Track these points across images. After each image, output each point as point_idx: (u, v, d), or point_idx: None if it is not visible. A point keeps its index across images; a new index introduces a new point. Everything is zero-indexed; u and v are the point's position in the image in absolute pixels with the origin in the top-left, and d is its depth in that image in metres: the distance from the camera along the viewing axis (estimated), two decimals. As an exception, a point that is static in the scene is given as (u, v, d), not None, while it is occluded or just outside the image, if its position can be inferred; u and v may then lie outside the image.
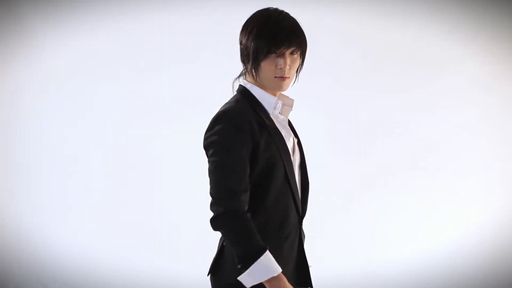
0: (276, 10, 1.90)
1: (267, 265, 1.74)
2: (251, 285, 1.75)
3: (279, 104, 1.93)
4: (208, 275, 1.97)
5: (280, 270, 1.75)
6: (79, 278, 4.19)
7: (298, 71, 1.94)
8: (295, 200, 1.92)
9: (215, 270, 1.95)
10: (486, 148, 4.23)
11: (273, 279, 1.74)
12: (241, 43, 1.91)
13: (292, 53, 1.86)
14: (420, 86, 4.22)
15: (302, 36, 1.88)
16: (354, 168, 4.19)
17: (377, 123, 4.22)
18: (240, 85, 1.97)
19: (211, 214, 1.82)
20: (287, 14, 1.89)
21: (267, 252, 1.75)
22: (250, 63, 1.88)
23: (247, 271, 1.73)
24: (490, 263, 4.06)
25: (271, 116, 1.92)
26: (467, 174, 4.21)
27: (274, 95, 1.94)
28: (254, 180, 1.84)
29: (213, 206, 1.80)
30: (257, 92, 1.92)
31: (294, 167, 1.94)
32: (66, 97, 4.31)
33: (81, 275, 4.20)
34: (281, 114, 1.98)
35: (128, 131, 4.27)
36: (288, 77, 1.88)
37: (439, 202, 4.19)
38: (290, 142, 1.95)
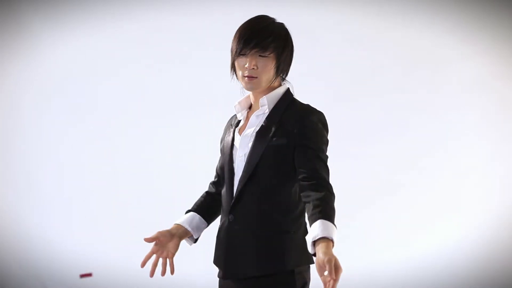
0: (260, 16, 1.96)
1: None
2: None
3: (237, 107, 2.04)
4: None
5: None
6: (79, 278, 4.19)
7: (279, 71, 1.94)
8: (227, 189, 2.04)
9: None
10: (486, 148, 4.23)
11: None
12: None
13: (262, 55, 1.90)
14: (420, 86, 4.21)
15: (271, 39, 1.90)
16: (354, 168, 4.19)
17: (377, 124, 4.22)
18: None
19: None
20: (263, 19, 1.94)
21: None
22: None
23: None
24: (490, 263, 4.06)
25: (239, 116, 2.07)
26: (467, 174, 4.21)
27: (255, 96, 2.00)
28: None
29: None
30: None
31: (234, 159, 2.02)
32: (66, 97, 4.31)
33: (81, 275, 4.20)
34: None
35: (128, 131, 4.27)
36: (256, 77, 1.91)
37: (439, 201, 4.18)
38: (237, 137, 2.01)
